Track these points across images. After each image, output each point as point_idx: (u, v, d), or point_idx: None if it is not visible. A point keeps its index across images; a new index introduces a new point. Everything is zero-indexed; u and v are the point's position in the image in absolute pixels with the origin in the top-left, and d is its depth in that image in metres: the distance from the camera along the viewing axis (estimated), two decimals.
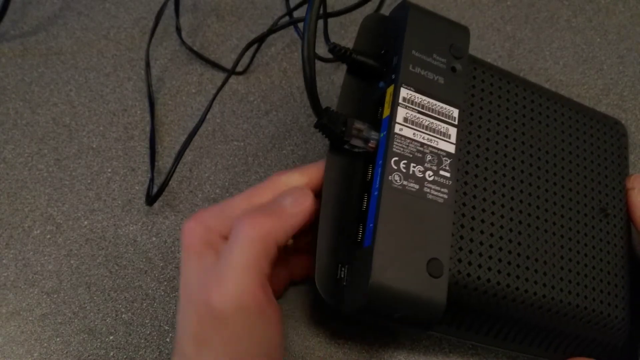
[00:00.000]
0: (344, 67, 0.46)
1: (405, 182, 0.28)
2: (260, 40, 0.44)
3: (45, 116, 0.42)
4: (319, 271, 0.29)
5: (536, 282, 0.31)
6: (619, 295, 0.34)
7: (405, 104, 0.29)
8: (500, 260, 0.30)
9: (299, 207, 0.29)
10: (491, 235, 0.30)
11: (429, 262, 0.27)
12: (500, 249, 0.30)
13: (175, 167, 0.37)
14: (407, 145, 0.29)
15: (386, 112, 0.30)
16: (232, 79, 0.44)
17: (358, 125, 0.30)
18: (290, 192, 0.29)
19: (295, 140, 0.42)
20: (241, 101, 0.44)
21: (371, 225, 0.27)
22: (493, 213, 0.31)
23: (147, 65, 0.44)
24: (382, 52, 0.32)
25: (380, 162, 0.28)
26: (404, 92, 0.29)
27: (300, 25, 0.46)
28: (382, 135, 0.29)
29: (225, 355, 0.26)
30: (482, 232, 0.30)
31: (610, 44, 0.50)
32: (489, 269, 0.30)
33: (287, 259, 0.35)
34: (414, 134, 0.29)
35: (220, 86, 0.39)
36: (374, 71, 0.32)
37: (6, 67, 0.43)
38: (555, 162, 0.34)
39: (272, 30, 0.40)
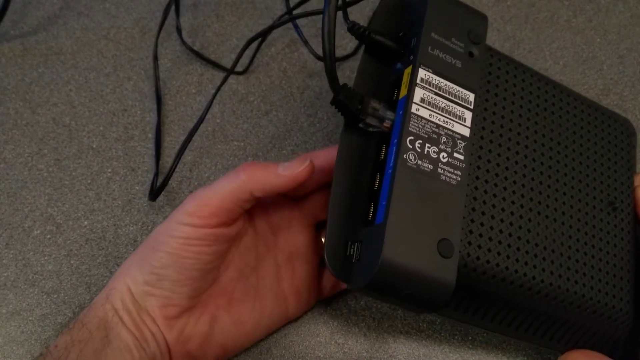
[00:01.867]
0: (347, 65, 0.46)
1: (419, 162, 0.28)
2: (261, 35, 0.44)
3: (45, 116, 0.42)
4: (329, 247, 0.30)
5: (544, 270, 0.31)
6: (624, 289, 0.34)
7: (423, 84, 0.29)
8: (509, 245, 0.30)
9: (288, 171, 0.30)
10: (501, 220, 0.30)
11: (439, 242, 0.27)
12: (510, 234, 0.30)
13: (178, 161, 0.37)
14: (423, 126, 0.28)
15: (403, 92, 0.30)
16: (232, 79, 0.44)
17: (374, 104, 0.30)
18: (291, 160, 0.31)
19: (295, 140, 0.42)
20: (241, 101, 0.44)
21: (384, 202, 0.27)
22: (504, 199, 0.31)
23: (155, 59, 0.44)
24: (400, 34, 0.32)
25: (396, 140, 0.28)
26: (422, 73, 0.29)
27: (299, 22, 0.46)
28: (398, 115, 0.30)
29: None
30: (492, 216, 0.30)
31: (610, 44, 0.50)
32: (498, 253, 0.30)
33: None
34: (430, 114, 0.29)
35: (219, 85, 0.39)
36: (392, 52, 0.32)
37: (6, 67, 0.43)
38: (567, 154, 0.34)
39: (273, 26, 0.40)
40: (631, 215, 0.36)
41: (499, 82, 0.33)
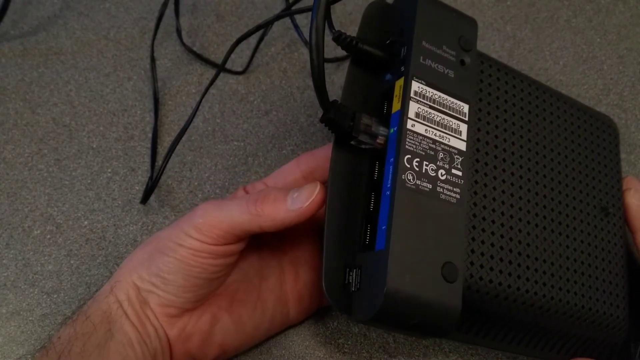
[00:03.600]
0: (345, 66, 0.46)
1: (418, 182, 0.26)
2: (258, 29, 0.42)
3: (45, 116, 0.42)
4: (327, 276, 0.28)
5: (544, 284, 0.30)
6: (619, 295, 0.33)
7: (417, 98, 0.28)
8: (510, 262, 0.29)
9: (297, 205, 0.29)
10: (501, 236, 0.29)
11: (443, 266, 0.25)
12: (511, 250, 0.29)
13: (168, 160, 0.37)
14: (420, 142, 0.27)
15: (395, 106, 0.28)
16: (232, 79, 0.44)
17: (366, 120, 0.28)
18: (300, 189, 0.29)
19: (295, 140, 0.42)
20: (241, 101, 0.44)
21: (383, 227, 0.26)
22: (503, 213, 0.30)
23: (152, 60, 0.44)
24: (388, 42, 0.31)
25: (392, 159, 0.27)
26: (415, 86, 0.28)
27: (299, 22, 0.46)
28: (392, 131, 0.28)
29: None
30: (492, 233, 0.29)
31: (610, 44, 0.50)
32: (500, 271, 0.29)
33: None
34: (426, 130, 0.27)
35: (210, 81, 0.38)
36: (380, 62, 0.31)
37: (6, 67, 0.43)
38: (559, 160, 0.33)
39: (269, 21, 0.39)
40: (622, 218, 0.36)
41: (490, 90, 0.32)
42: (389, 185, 0.27)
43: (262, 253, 0.34)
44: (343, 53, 0.46)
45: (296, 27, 0.46)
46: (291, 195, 0.29)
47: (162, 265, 0.29)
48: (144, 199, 0.38)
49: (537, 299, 0.30)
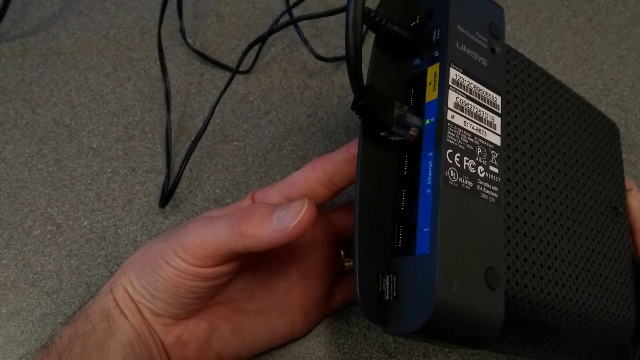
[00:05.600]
0: (344, 66, 0.46)
1: (460, 179, 0.24)
2: (262, 40, 0.43)
3: (45, 116, 0.42)
4: (362, 286, 0.25)
5: (571, 288, 0.28)
6: (629, 296, 0.33)
7: (455, 86, 0.25)
8: (547, 266, 0.27)
9: (282, 225, 0.27)
10: (533, 238, 0.27)
11: (487, 271, 0.23)
12: (545, 254, 0.28)
13: (183, 170, 0.37)
14: (460, 136, 0.25)
15: (430, 95, 0.26)
16: (233, 80, 0.44)
17: (399, 109, 0.26)
18: (287, 206, 0.27)
19: (295, 140, 0.42)
20: (241, 101, 0.44)
21: (426, 229, 0.23)
22: (533, 213, 0.28)
23: (161, 60, 0.44)
24: (413, 24, 0.28)
25: (431, 154, 0.25)
26: (453, 73, 0.25)
27: (296, 14, 0.46)
28: (427, 122, 0.26)
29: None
30: (525, 234, 0.27)
31: (610, 44, 0.50)
32: (534, 275, 0.27)
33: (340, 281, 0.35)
34: (464, 122, 0.25)
35: (225, 85, 0.38)
36: (407, 45, 0.28)
37: (6, 67, 0.43)
38: (577, 159, 0.32)
39: (273, 30, 0.40)
40: (627, 219, 0.36)
41: (516, 82, 0.30)
42: (429, 183, 0.24)
43: (270, 264, 0.33)
44: (343, 53, 0.46)
45: (296, 27, 0.46)
46: (277, 214, 0.27)
47: (150, 281, 0.29)
48: (164, 203, 0.38)
49: (565, 303, 0.28)
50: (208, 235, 0.27)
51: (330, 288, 0.35)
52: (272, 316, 0.32)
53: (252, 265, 0.32)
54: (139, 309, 0.29)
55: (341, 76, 0.45)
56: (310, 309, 0.33)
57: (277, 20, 0.47)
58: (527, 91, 0.30)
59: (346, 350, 0.36)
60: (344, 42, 0.47)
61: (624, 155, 0.38)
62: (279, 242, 0.27)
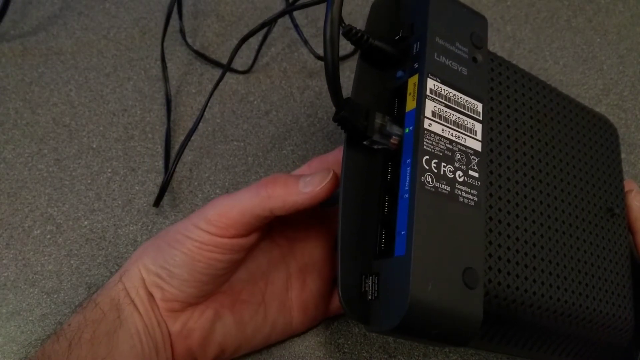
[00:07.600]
0: (347, 65, 0.46)
1: (437, 184, 0.25)
2: (262, 27, 0.42)
3: (45, 116, 0.42)
4: (344, 284, 0.27)
5: (558, 288, 0.29)
6: (627, 296, 0.33)
7: (433, 96, 0.27)
8: (526, 266, 0.28)
9: (309, 188, 0.29)
10: (517, 239, 0.28)
11: (464, 271, 0.24)
12: (527, 253, 0.28)
13: (175, 165, 0.37)
14: (437, 143, 0.26)
15: (410, 105, 0.27)
16: (233, 79, 0.44)
17: (380, 119, 0.27)
18: (313, 174, 0.29)
19: (295, 140, 0.42)
20: (241, 101, 0.44)
21: (403, 232, 0.25)
22: (517, 215, 0.29)
23: (163, 60, 0.44)
24: (397, 37, 0.30)
25: (409, 160, 0.26)
26: (431, 84, 0.27)
27: (299, 22, 0.46)
28: (407, 130, 0.27)
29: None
30: (508, 236, 0.28)
31: (610, 44, 0.50)
32: (517, 276, 0.28)
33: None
34: (442, 129, 0.27)
35: (216, 82, 0.39)
36: (390, 58, 0.30)
37: (6, 67, 0.43)
38: (567, 161, 0.33)
39: (267, 22, 0.39)
40: (626, 219, 0.36)
41: (501, 88, 0.31)
42: (407, 188, 0.26)
43: (271, 256, 0.33)
44: (343, 53, 0.46)
45: (296, 26, 0.46)
46: (303, 179, 0.29)
47: (168, 258, 0.29)
48: (157, 202, 0.38)
49: (553, 302, 0.29)
50: (232, 203, 0.29)
51: (331, 288, 0.35)
52: (272, 309, 0.33)
53: (254, 255, 0.33)
54: (150, 295, 0.30)
55: (341, 76, 0.45)
56: (309, 305, 0.34)
57: (274, 18, 0.47)
58: (512, 97, 0.31)
59: (346, 350, 0.36)
60: (343, 42, 0.47)
61: (623, 155, 0.38)
62: (304, 203, 0.29)
